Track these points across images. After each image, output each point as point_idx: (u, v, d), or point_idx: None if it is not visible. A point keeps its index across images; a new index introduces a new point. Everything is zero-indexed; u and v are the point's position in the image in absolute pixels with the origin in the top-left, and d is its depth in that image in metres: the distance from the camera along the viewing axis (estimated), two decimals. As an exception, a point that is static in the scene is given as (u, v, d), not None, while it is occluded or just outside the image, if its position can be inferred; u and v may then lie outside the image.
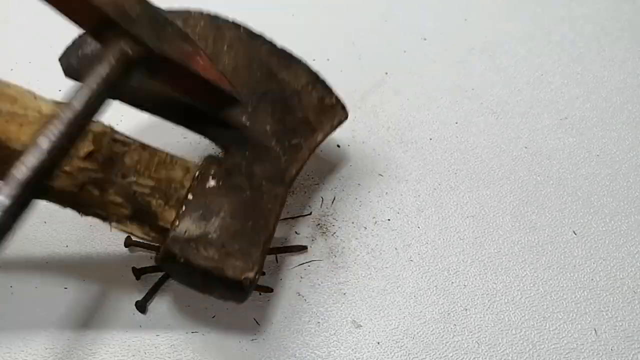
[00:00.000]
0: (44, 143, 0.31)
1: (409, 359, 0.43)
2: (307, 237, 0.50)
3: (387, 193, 0.53)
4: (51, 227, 0.50)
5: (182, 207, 0.38)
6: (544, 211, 0.52)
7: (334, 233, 0.50)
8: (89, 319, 0.45)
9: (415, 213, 0.52)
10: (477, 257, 0.49)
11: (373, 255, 0.49)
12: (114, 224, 0.39)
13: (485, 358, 0.43)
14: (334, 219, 0.51)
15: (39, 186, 0.31)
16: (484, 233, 0.51)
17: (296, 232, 0.50)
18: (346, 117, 0.48)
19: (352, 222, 0.51)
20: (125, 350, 0.43)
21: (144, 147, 0.40)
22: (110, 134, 0.39)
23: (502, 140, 0.58)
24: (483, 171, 0.55)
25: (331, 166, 0.55)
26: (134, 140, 0.40)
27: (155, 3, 0.39)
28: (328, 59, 0.63)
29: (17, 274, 0.47)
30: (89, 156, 0.37)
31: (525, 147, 0.58)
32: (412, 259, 0.49)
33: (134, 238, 0.48)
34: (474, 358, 0.43)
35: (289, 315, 0.45)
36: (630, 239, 0.50)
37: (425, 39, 0.68)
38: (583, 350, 0.44)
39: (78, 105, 0.33)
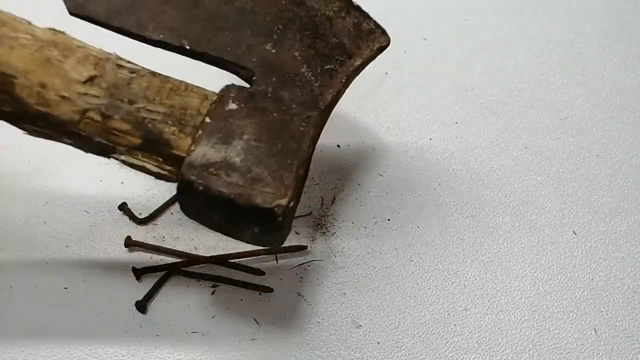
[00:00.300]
0: None
1: (409, 359, 0.43)
2: (307, 237, 0.50)
3: (387, 193, 0.53)
4: (51, 227, 0.50)
5: (198, 131, 0.34)
6: (544, 211, 0.52)
7: (334, 233, 0.50)
8: (89, 319, 0.45)
9: (415, 213, 0.52)
10: (477, 257, 0.49)
11: (373, 255, 0.49)
12: (122, 157, 0.35)
13: (485, 358, 0.43)
14: (334, 219, 0.51)
15: None
16: (483, 233, 0.51)
17: (296, 232, 0.50)
18: (388, 43, 0.44)
19: (352, 222, 0.51)
20: (125, 350, 0.43)
21: (154, 74, 0.37)
22: (114, 59, 0.36)
23: (502, 140, 0.58)
24: (483, 171, 0.55)
25: (331, 166, 0.55)
26: (143, 67, 0.37)
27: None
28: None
29: (17, 274, 0.47)
30: (90, 81, 0.34)
31: (525, 147, 0.58)
32: (412, 259, 0.49)
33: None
34: (474, 358, 0.43)
35: (289, 315, 0.45)
36: (630, 239, 0.50)
37: (425, 39, 0.68)
38: (583, 350, 0.44)
39: None
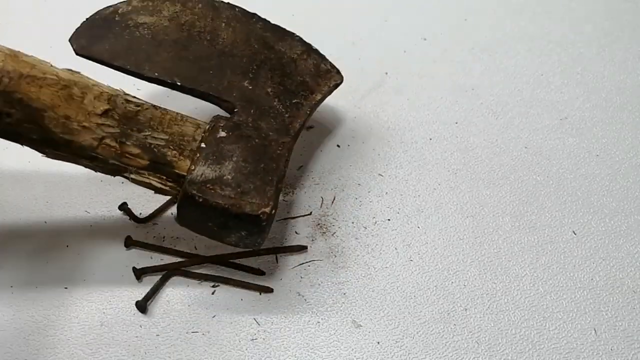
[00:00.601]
0: None
1: (408, 358, 0.43)
2: (307, 237, 0.50)
3: (387, 193, 0.53)
4: (51, 227, 0.50)
5: (196, 154, 0.41)
6: (544, 211, 0.52)
7: (334, 233, 0.50)
8: (89, 319, 0.45)
9: (415, 213, 0.52)
10: (476, 257, 0.49)
11: (373, 255, 0.49)
12: (132, 175, 0.42)
13: (485, 358, 0.43)
14: (334, 219, 0.51)
15: None
16: (483, 233, 0.51)
17: (296, 232, 0.50)
18: (342, 80, 0.52)
19: (352, 222, 0.51)
20: (125, 350, 0.43)
21: (155, 107, 0.43)
22: (122, 95, 0.43)
23: (502, 140, 0.58)
24: (483, 171, 0.55)
25: (331, 166, 0.55)
26: (145, 102, 0.43)
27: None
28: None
29: (18, 273, 0.47)
30: (105, 114, 0.41)
31: (525, 147, 0.58)
32: (412, 258, 0.49)
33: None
34: (474, 358, 0.43)
35: (289, 315, 0.45)
36: (630, 238, 0.50)
37: (425, 39, 0.68)
38: (583, 350, 0.44)
39: None
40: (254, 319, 0.45)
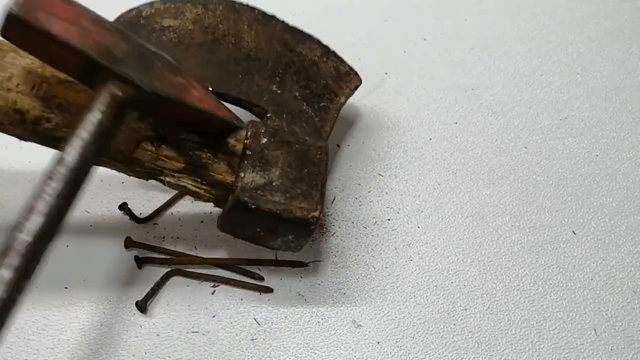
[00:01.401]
0: (42, 206, 0.30)
1: (408, 358, 0.43)
2: (307, 237, 0.50)
3: (387, 193, 0.53)
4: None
5: (243, 161, 0.42)
6: (544, 211, 0.52)
7: (334, 233, 0.50)
8: (89, 319, 0.45)
9: (415, 213, 0.52)
10: (476, 257, 0.49)
11: (373, 255, 0.49)
12: (167, 178, 0.41)
13: (485, 358, 0.43)
14: (334, 219, 0.51)
15: (40, 256, 0.30)
16: (483, 233, 0.51)
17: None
18: (360, 82, 0.53)
19: (352, 222, 0.51)
20: (125, 350, 0.43)
21: None
22: None
23: (501, 140, 0.58)
24: (483, 171, 0.56)
25: (331, 166, 0.55)
26: None
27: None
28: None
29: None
30: (140, 117, 0.41)
31: (525, 147, 0.58)
32: (412, 258, 0.49)
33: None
34: (474, 358, 0.43)
35: (289, 315, 0.45)
36: (629, 238, 0.50)
37: (425, 39, 0.68)
38: (583, 349, 0.44)
39: (72, 160, 0.32)
40: (254, 319, 0.45)
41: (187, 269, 0.47)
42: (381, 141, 0.58)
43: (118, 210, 0.51)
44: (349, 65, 0.53)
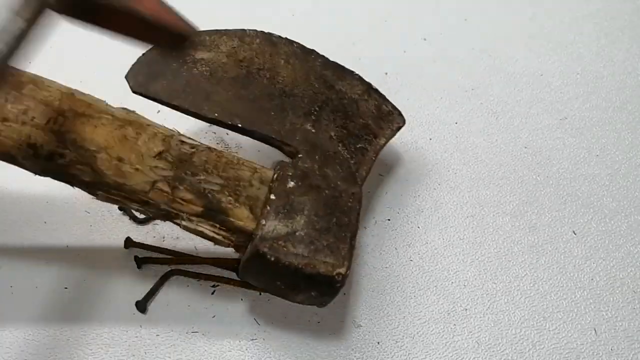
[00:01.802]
0: None
1: (408, 358, 0.43)
2: (307, 237, 0.50)
3: (387, 193, 0.53)
4: (51, 227, 0.50)
5: (265, 207, 0.39)
6: (544, 211, 0.52)
7: (334, 233, 0.50)
8: (89, 319, 0.45)
9: (415, 213, 0.52)
10: (476, 257, 0.49)
11: (373, 255, 0.49)
12: (184, 222, 0.39)
13: (485, 358, 0.43)
14: (334, 219, 0.51)
15: None
16: (483, 233, 0.51)
17: (296, 232, 0.50)
18: (404, 123, 0.49)
19: (352, 222, 0.51)
20: (125, 350, 0.43)
21: (210, 149, 0.41)
22: (177, 136, 0.41)
23: (501, 140, 0.58)
24: (483, 171, 0.56)
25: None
26: (201, 143, 0.41)
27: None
28: (328, 59, 0.63)
29: (17, 274, 0.47)
30: (159, 155, 0.39)
31: (525, 147, 0.58)
32: (412, 258, 0.49)
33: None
34: (474, 358, 0.43)
35: (289, 315, 0.45)
36: (630, 238, 0.50)
37: (425, 39, 0.68)
38: (583, 349, 0.44)
39: None
40: (254, 319, 0.45)
41: (187, 269, 0.47)
42: (381, 141, 0.58)
43: (118, 210, 0.51)
44: (392, 105, 0.50)
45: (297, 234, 0.38)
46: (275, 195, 0.39)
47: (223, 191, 0.39)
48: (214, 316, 0.45)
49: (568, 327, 0.45)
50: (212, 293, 0.46)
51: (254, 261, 0.38)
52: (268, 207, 0.39)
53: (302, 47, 0.49)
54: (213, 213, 0.39)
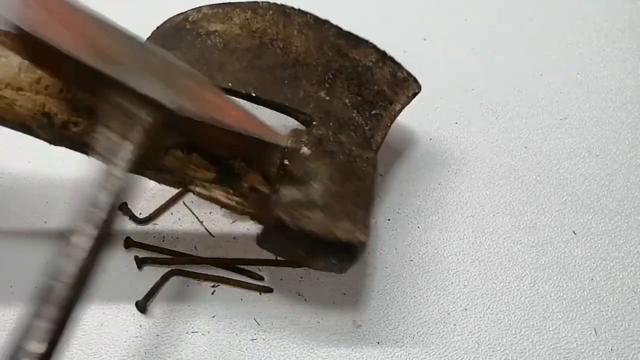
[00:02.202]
0: (77, 252, 0.29)
1: (409, 359, 0.43)
2: (307, 237, 0.50)
3: (387, 193, 0.53)
4: (51, 227, 0.50)
5: (280, 172, 0.38)
6: (544, 211, 0.52)
7: (334, 233, 0.50)
8: (89, 319, 0.45)
9: (415, 213, 0.52)
10: (476, 257, 0.49)
11: (373, 255, 0.49)
12: (197, 188, 0.39)
13: (485, 358, 0.43)
14: (334, 219, 0.51)
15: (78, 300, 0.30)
16: (483, 233, 0.51)
17: (296, 232, 0.50)
18: (420, 89, 0.49)
19: (352, 222, 0.51)
20: (125, 350, 0.43)
21: None
22: None
23: (501, 140, 0.58)
24: (483, 171, 0.56)
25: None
26: None
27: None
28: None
29: (17, 273, 0.47)
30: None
31: (525, 147, 0.58)
32: (412, 258, 0.49)
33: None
34: (474, 358, 0.43)
35: (289, 315, 0.45)
36: (630, 238, 0.50)
37: (425, 39, 0.68)
38: (583, 350, 0.44)
39: (106, 202, 0.30)
40: (254, 319, 0.45)
41: (187, 269, 0.47)
42: (381, 141, 0.58)
43: (118, 210, 0.51)
44: (407, 71, 0.49)
45: (313, 199, 0.37)
46: (289, 161, 0.39)
47: (235, 157, 0.39)
48: (214, 316, 0.45)
49: (568, 327, 0.45)
50: (212, 293, 0.46)
51: (272, 228, 0.37)
52: (282, 173, 0.38)
53: (316, 18, 0.49)
54: (226, 178, 0.38)
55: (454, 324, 0.45)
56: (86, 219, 0.30)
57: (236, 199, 0.39)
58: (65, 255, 0.29)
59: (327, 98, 0.45)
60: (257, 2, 0.48)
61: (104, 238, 0.30)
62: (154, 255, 0.48)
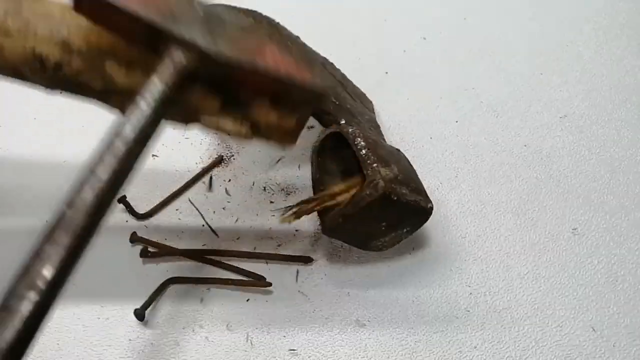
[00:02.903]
0: (102, 172, 0.30)
1: (412, 357, 0.43)
2: (310, 236, 0.50)
3: (388, 192, 0.54)
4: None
5: (368, 155, 0.43)
6: (545, 209, 0.52)
7: (337, 232, 0.50)
8: (89, 320, 0.45)
9: (417, 212, 0.52)
10: (479, 256, 0.49)
11: (376, 255, 0.49)
12: (206, 119, 0.38)
13: (489, 355, 0.43)
14: (336, 218, 0.51)
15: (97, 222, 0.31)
16: (485, 231, 0.51)
17: (296, 230, 0.50)
18: (372, 107, 0.59)
19: (354, 222, 0.51)
20: (125, 351, 0.43)
21: None
22: None
23: (502, 139, 0.58)
24: (484, 169, 0.56)
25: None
26: None
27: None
28: (328, 59, 0.63)
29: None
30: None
31: (525, 146, 0.58)
32: (414, 257, 0.49)
33: (138, 236, 0.48)
34: (478, 355, 0.43)
35: (292, 315, 0.45)
36: (630, 236, 0.51)
37: (425, 39, 0.68)
38: (585, 346, 0.44)
39: (131, 133, 0.30)
40: (255, 319, 0.45)
41: (185, 276, 0.47)
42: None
43: (118, 212, 0.51)
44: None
45: (399, 177, 0.43)
46: (367, 148, 0.44)
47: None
48: (214, 317, 0.45)
49: (570, 324, 0.45)
50: (208, 289, 0.46)
51: (378, 203, 0.42)
52: (372, 156, 0.43)
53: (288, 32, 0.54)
54: (232, 107, 0.38)
55: (457, 322, 0.45)
56: (108, 150, 0.30)
57: (245, 126, 0.39)
58: (84, 182, 0.30)
59: (346, 100, 0.53)
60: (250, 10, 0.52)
61: (125, 170, 0.30)
62: (154, 260, 0.48)
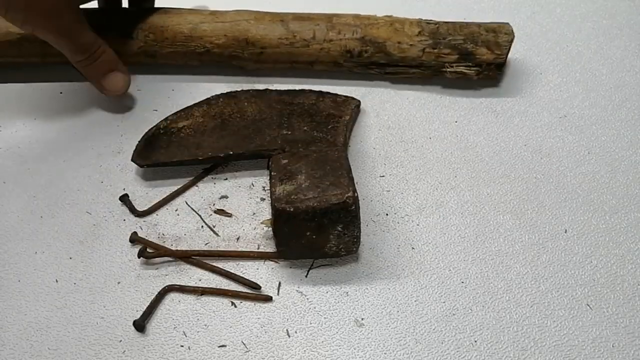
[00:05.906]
0: None
1: (411, 357, 0.43)
2: (308, 237, 0.50)
3: (387, 192, 0.54)
4: (52, 228, 0.50)
5: (270, 180, 0.47)
6: (544, 209, 0.52)
7: (335, 232, 0.50)
8: (90, 320, 0.45)
9: (416, 212, 0.52)
10: (478, 255, 0.49)
11: (374, 254, 0.49)
12: (449, 69, 0.60)
13: (487, 356, 0.43)
14: (335, 218, 0.51)
15: None
16: (484, 231, 0.51)
17: (297, 232, 0.50)
18: (359, 102, 0.60)
19: (353, 221, 0.51)
20: (127, 353, 0.43)
21: (447, 22, 0.62)
22: (423, 20, 0.62)
23: (501, 139, 0.58)
24: (483, 169, 0.56)
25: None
26: (440, 22, 0.62)
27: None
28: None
29: (17, 274, 0.47)
30: (419, 34, 0.60)
31: (525, 145, 0.58)
32: (412, 257, 0.49)
33: (139, 236, 0.48)
34: (476, 356, 0.43)
35: (290, 315, 0.45)
36: (630, 236, 0.51)
37: (424, 39, 0.68)
38: (584, 347, 0.44)
39: None
40: (255, 319, 0.45)
41: (184, 285, 0.47)
42: (381, 140, 0.58)
43: (119, 213, 0.51)
44: (344, 96, 0.59)
45: (303, 186, 0.45)
46: (274, 172, 0.47)
47: (466, 42, 0.59)
48: (213, 317, 0.45)
49: (569, 325, 0.45)
50: (202, 294, 0.46)
51: (278, 221, 0.44)
52: (272, 180, 0.46)
53: (257, 90, 0.59)
54: (465, 56, 0.59)
55: (456, 322, 0.45)
56: None
57: (474, 69, 0.60)
58: None
59: (289, 132, 0.54)
60: (208, 98, 0.58)
61: None
62: (154, 260, 0.48)
